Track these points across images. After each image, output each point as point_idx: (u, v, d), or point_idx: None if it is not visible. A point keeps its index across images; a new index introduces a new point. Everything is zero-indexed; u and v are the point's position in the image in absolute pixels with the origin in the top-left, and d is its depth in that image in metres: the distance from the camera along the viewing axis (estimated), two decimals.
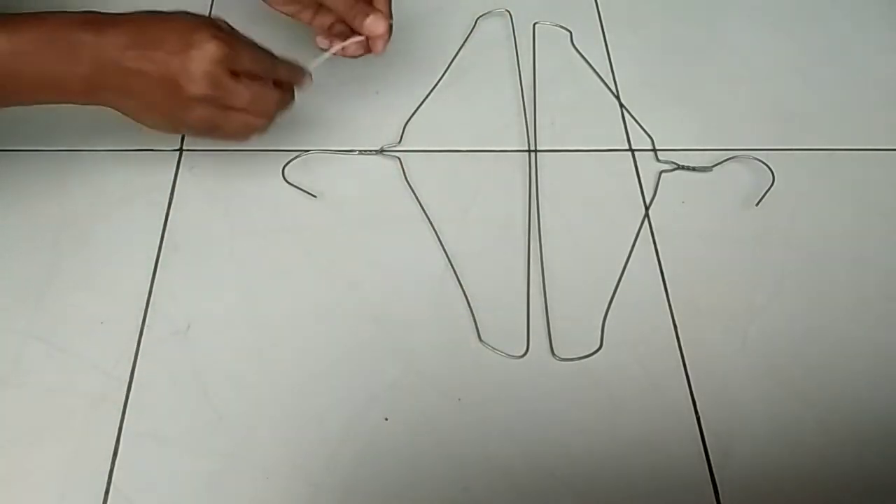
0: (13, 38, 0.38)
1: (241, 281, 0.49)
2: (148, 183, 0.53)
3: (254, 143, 0.51)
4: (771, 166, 0.55)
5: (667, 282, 0.50)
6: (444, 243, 0.51)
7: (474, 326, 0.48)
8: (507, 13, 0.63)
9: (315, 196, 0.53)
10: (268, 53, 0.45)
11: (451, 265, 0.50)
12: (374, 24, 0.47)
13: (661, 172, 0.55)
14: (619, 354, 0.47)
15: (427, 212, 0.52)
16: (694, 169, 0.56)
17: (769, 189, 0.54)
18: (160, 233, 0.51)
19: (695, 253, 0.52)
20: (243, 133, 0.45)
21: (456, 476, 0.43)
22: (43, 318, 0.47)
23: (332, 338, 0.47)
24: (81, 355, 0.46)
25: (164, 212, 0.52)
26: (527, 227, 0.52)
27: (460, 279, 0.49)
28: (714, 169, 0.56)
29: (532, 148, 0.56)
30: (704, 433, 0.45)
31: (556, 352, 0.47)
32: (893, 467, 0.44)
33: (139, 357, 0.46)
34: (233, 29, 0.44)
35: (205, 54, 0.40)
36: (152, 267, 0.50)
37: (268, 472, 0.43)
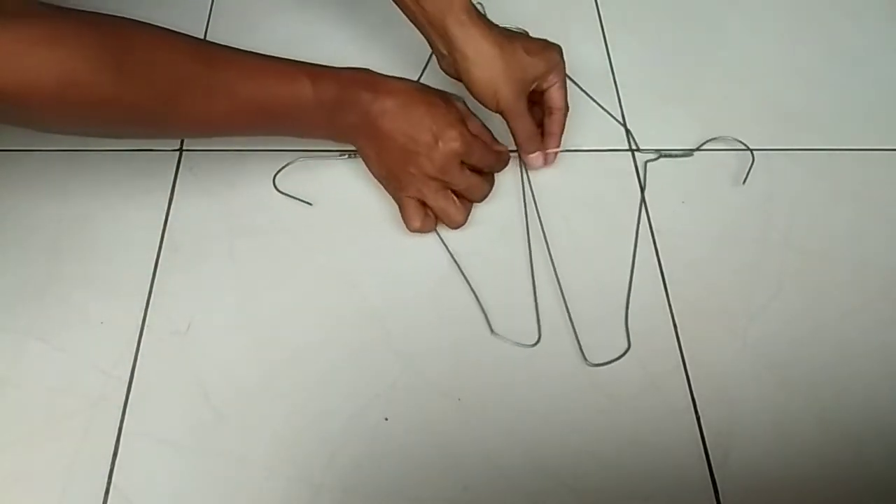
0: (316, 89, 0.45)
1: (241, 281, 0.49)
2: (148, 183, 0.53)
3: (249, 146, 0.51)
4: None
5: (667, 282, 0.51)
6: (445, 242, 0.51)
7: (485, 319, 0.48)
8: (480, 4, 0.63)
9: (311, 203, 0.53)
10: (493, 152, 0.51)
11: (457, 263, 0.50)
12: (533, 161, 0.54)
13: (646, 162, 0.56)
14: (624, 355, 0.47)
15: None
16: (675, 155, 0.56)
17: (751, 167, 0.55)
18: (160, 233, 0.51)
19: (695, 253, 0.52)
20: (447, 215, 0.50)
21: (456, 476, 0.43)
22: (43, 318, 0.47)
23: (332, 338, 0.47)
24: (81, 355, 0.46)
25: (164, 212, 0.52)
26: (525, 228, 0.53)
27: (468, 277, 0.50)
28: (704, 159, 0.56)
29: None
30: (704, 433, 0.45)
31: (587, 357, 0.47)
32: (893, 467, 0.44)
33: (139, 357, 0.46)
34: (472, 114, 0.51)
35: (447, 148, 0.47)
36: (152, 267, 0.50)
37: (268, 472, 0.43)
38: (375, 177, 0.52)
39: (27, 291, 0.48)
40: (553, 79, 0.51)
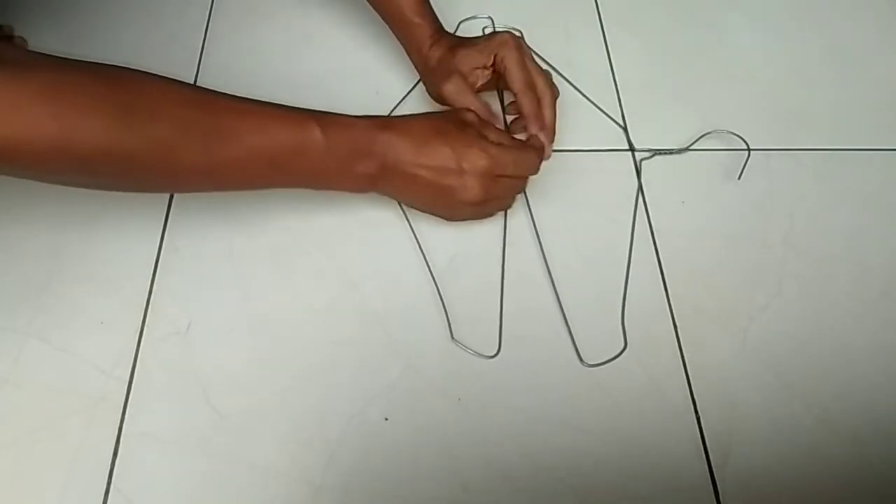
0: (326, 135, 0.43)
1: (241, 281, 0.49)
2: None
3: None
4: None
5: (667, 282, 0.51)
6: (424, 245, 0.51)
7: (447, 325, 0.48)
8: (489, 19, 0.63)
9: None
10: (522, 150, 0.49)
11: (427, 264, 0.50)
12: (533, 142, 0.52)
13: (641, 161, 0.56)
14: (620, 355, 0.47)
15: (407, 214, 0.52)
16: (671, 152, 0.56)
17: (746, 162, 0.55)
18: (160, 233, 0.51)
19: (695, 253, 0.52)
20: (499, 210, 0.52)
21: (456, 476, 0.43)
22: (43, 318, 0.47)
23: (332, 337, 0.47)
24: (81, 355, 0.46)
25: (164, 212, 0.52)
26: (531, 227, 0.53)
27: (437, 281, 0.50)
28: (702, 157, 0.56)
29: None
30: (704, 433, 0.45)
31: (584, 357, 0.47)
32: (893, 467, 0.44)
33: (139, 357, 0.46)
34: (488, 124, 0.49)
35: (476, 169, 0.46)
36: (152, 267, 0.50)
37: (268, 472, 0.43)
38: (424, 212, 0.51)
39: (28, 291, 0.48)
40: (501, 65, 0.51)
